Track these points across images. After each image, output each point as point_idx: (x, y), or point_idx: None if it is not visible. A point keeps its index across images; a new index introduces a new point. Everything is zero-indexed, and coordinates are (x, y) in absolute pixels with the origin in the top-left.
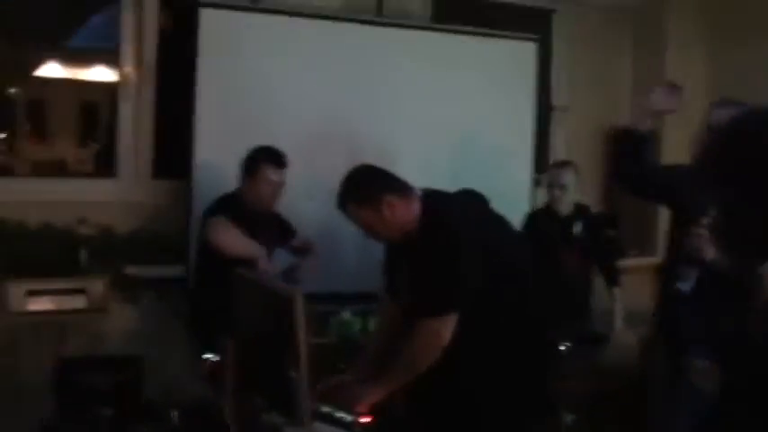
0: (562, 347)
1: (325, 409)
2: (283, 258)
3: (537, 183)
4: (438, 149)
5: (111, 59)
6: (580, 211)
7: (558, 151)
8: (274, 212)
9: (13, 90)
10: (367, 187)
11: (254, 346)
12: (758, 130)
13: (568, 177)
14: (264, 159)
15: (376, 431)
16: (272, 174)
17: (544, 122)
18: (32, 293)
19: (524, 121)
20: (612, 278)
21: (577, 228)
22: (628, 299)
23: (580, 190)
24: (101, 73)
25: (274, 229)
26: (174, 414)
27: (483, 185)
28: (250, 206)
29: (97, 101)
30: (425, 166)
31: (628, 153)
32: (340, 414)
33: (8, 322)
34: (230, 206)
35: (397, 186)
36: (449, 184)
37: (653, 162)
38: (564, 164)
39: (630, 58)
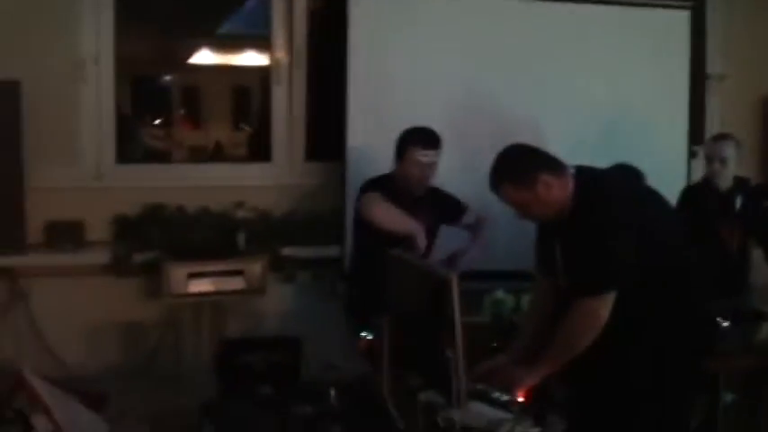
0: (722, 325)
1: (481, 387)
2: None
3: (693, 155)
4: (590, 124)
5: (262, 45)
6: (740, 184)
7: (714, 121)
8: (437, 191)
9: (167, 77)
10: (522, 167)
11: (410, 326)
12: None
13: (729, 150)
14: (413, 141)
15: (533, 411)
16: (419, 155)
17: (699, 92)
18: (193, 276)
19: (679, 92)
20: None
21: (738, 202)
22: None
23: (739, 163)
24: (252, 58)
25: (435, 209)
26: (333, 392)
27: (638, 159)
28: (402, 187)
29: (249, 86)
30: (577, 141)
31: None
32: (496, 393)
33: (170, 304)
34: (383, 186)
35: (552, 165)
36: (602, 160)
37: None
38: (724, 136)
39: None
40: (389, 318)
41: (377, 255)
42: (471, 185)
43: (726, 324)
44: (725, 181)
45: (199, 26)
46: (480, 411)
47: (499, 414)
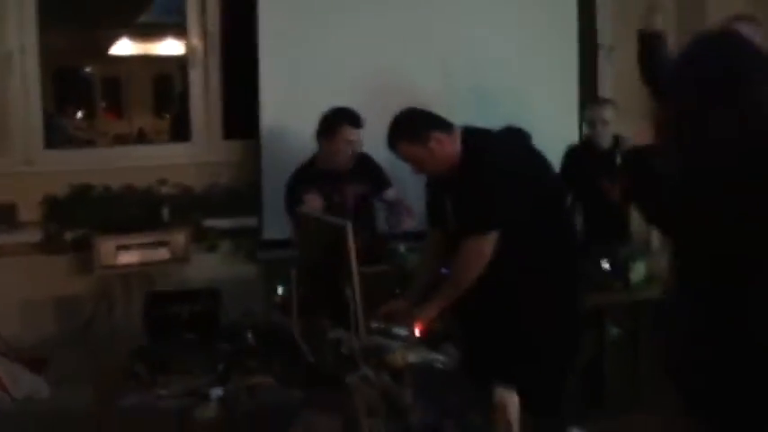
0: (602, 265)
1: (382, 325)
2: None
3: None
4: (485, 91)
5: (180, 33)
6: (619, 142)
7: (606, 89)
8: (368, 159)
9: (89, 69)
10: (416, 126)
11: (317, 273)
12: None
13: (609, 113)
14: (343, 120)
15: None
16: (349, 134)
17: (591, 61)
18: (121, 248)
19: (570, 62)
20: None
21: (618, 158)
22: None
23: (623, 125)
24: (171, 47)
25: (365, 175)
26: (249, 335)
27: (530, 125)
28: (328, 165)
29: (169, 73)
30: (475, 107)
31: (646, 54)
32: (395, 329)
33: (100, 275)
34: (307, 173)
35: (442, 124)
36: (498, 125)
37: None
38: (603, 101)
39: None
40: (299, 267)
41: None
42: (376, 154)
43: (606, 265)
44: (605, 140)
45: (118, 16)
46: (378, 342)
47: (394, 344)
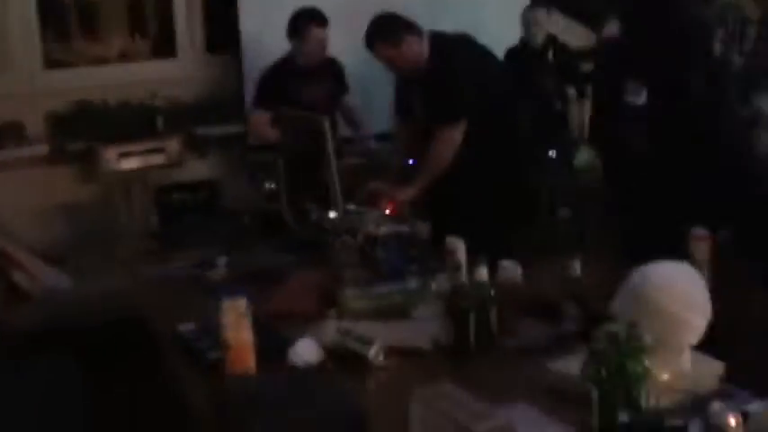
0: (551, 153)
1: (357, 208)
2: None
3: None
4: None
5: None
6: (551, 40)
7: None
8: (336, 62)
9: None
10: (391, 28)
11: (299, 163)
12: None
13: (541, 15)
14: (312, 20)
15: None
16: (318, 33)
17: None
18: (122, 155)
19: None
20: (581, 90)
21: (550, 55)
22: None
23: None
24: None
25: (333, 78)
26: (246, 217)
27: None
28: (301, 64)
29: None
30: (437, 16)
31: None
32: (367, 211)
33: (105, 181)
34: (281, 72)
35: (413, 28)
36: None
37: None
38: (537, 3)
39: None
40: (283, 158)
41: None
42: (355, 59)
43: (552, 153)
44: (537, 41)
45: None
46: (354, 219)
47: (369, 217)
